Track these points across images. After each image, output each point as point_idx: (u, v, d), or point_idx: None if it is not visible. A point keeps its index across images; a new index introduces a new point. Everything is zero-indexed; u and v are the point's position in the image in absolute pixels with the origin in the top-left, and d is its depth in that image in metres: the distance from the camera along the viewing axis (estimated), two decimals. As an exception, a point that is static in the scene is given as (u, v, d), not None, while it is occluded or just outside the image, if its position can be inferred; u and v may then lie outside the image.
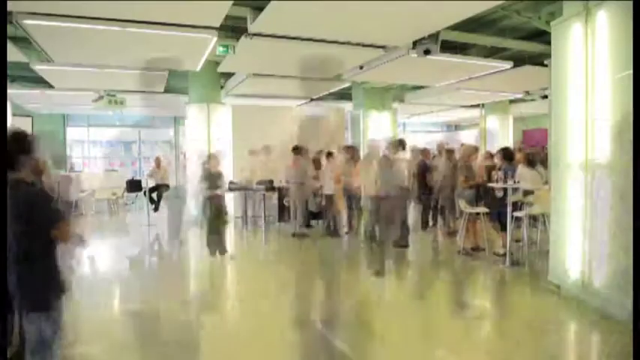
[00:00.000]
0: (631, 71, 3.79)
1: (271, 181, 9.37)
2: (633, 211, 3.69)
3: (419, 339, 4.11)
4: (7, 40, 6.50)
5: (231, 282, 6.46)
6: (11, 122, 9.40)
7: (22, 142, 2.42)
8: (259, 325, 4.38)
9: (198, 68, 8.35)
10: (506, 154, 6.79)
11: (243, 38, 6.38)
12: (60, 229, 2.42)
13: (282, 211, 10.05)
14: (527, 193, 6.55)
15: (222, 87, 11.23)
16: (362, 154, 9.11)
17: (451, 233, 8.23)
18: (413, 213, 9.33)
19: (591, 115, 4.53)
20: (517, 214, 6.33)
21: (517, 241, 6.96)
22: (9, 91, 10.00)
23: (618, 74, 4.20)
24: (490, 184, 6.56)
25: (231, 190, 9.95)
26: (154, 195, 10.65)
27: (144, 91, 11.15)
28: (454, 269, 6.49)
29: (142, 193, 11.12)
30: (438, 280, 6.17)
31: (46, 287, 2.40)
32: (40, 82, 10.06)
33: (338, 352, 3.82)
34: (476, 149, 8.41)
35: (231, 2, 5.17)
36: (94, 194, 12.46)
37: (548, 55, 5.46)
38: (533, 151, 7.85)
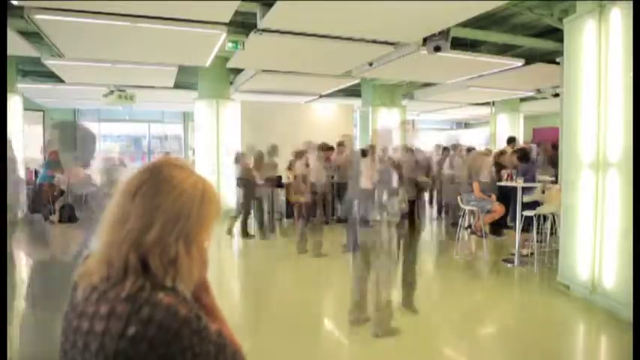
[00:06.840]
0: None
1: (279, 177, 9.35)
2: (633, 212, 3.66)
3: (417, 338, 4.10)
4: (19, 35, 6.56)
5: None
6: (23, 116, 9.48)
7: None
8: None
9: (208, 64, 8.37)
10: (523, 154, 6.74)
11: (252, 34, 6.37)
12: None
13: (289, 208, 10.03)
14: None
15: (231, 83, 11.24)
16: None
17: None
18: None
19: (604, 113, 4.47)
20: (527, 213, 6.26)
21: (526, 240, 6.89)
22: (20, 85, 10.11)
23: (631, 72, 4.14)
24: (499, 183, 6.49)
25: (238, 186, 9.93)
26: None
27: (154, 87, 11.21)
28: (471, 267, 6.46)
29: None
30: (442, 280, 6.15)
31: None
32: (51, 76, 10.14)
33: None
34: (486, 155, 8.20)
35: (241, -2, 5.17)
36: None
37: (561, 53, 5.40)
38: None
